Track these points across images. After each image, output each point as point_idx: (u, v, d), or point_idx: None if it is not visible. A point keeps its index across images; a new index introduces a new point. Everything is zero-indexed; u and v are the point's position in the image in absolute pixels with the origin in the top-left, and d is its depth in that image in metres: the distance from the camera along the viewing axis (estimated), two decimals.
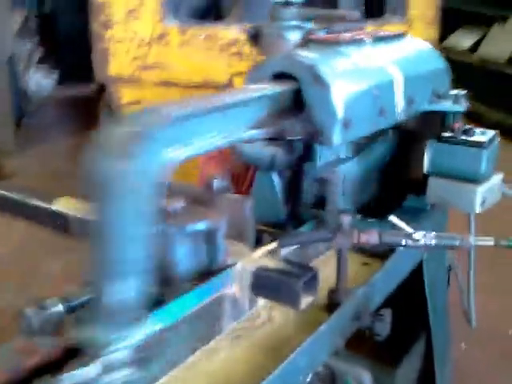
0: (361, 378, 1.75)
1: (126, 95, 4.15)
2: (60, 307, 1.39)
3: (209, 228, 1.54)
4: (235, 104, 1.58)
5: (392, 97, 2.00)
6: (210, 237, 1.56)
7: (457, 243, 1.64)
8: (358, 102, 1.84)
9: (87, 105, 6.76)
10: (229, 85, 3.88)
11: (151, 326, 1.33)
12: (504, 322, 3.98)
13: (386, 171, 2.35)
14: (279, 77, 1.82)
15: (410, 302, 2.34)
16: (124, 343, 1.23)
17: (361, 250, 1.97)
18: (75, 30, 8.11)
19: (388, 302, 1.89)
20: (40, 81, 8.90)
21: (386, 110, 1.96)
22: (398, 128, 2.25)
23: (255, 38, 2.10)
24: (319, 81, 1.75)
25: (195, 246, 1.55)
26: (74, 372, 1.19)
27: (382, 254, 1.94)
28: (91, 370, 1.20)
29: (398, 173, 2.35)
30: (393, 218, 1.74)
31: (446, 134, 2.15)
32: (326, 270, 1.76)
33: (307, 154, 1.99)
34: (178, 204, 1.55)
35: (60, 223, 1.72)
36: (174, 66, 4.42)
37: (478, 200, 2.07)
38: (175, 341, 1.44)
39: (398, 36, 2.26)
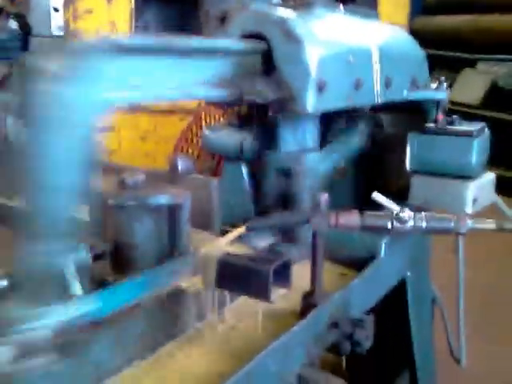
0: None
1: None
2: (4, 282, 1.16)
3: (171, 203, 1.36)
4: (195, 50, 1.40)
5: (369, 69, 1.82)
6: (172, 215, 1.37)
7: (452, 226, 1.43)
8: (332, 64, 1.66)
9: None
10: (198, 111, 3.76)
11: (86, 304, 1.09)
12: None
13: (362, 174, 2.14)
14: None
15: (393, 332, 2.13)
16: (44, 322, 1.00)
17: (337, 260, 1.78)
18: None
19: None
20: (19, 130, 8.90)
21: (363, 83, 1.77)
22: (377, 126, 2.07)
23: (223, 20, 1.94)
24: (291, 36, 1.57)
25: (156, 223, 1.36)
26: None
27: (360, 263, 1.75)
28: (6, 351, 0.97)
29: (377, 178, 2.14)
30: (376, 196, 1.52)
31: (430, 125, 1.95)
32: (300, 278, 1.55)
33: (268, 140, 1.78)
34: (139, 177, 1.37)
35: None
36: None
37: (470, 198, 1.85)
38: (122, 336, 1.22)
39: (374, 14, 2.10)
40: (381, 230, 1.46)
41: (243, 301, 1.53)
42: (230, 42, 1.58)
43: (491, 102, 7.37)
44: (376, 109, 1.96)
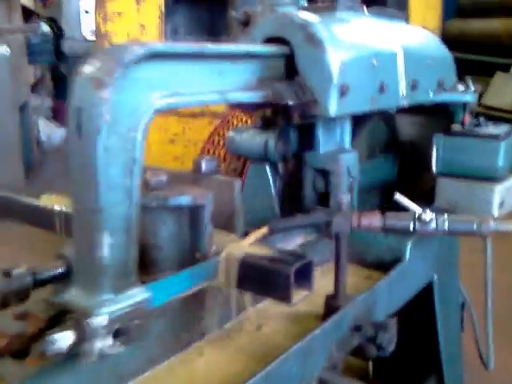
0: None
1: None
2: (27, 279, 1.21)
3: (194, 204, 1.35)
4: (231, 55, 1.41)
5: (393, 73, 1.81)
6: (194, 215, 1.37)
7: (475, 228, 1.41)
8: (355, 68, 1.65)
9: None
10: (227, 114, 3.75)
11: (139, 295, 1.14)
12: None
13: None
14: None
15: (420, 336, 2.12)
16: (107, 309, 1.07)
17: (363, 263, 1.78)
18: None
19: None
20: (50, 132, 9.02)
21: (388, 87, 1.76)
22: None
23: (246, 23, 1.94)
24: (313, 40, 1.56)
25: (178, 224, 1.36)
26: (50, 338, 1.03)
27: (386, 266, 1.73)
28: (68, 335, 1.04)
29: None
30: (399, 197, 1.50)
31: (456, 127, 1.93)
32: (324, 280, 1.55)
33: (307, 141, 1.79)
34: (162, 178, 1.37)
35: (45, 219, 1.60)
36: None
37: (496, 200, 1.83)
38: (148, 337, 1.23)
39: (400, 16, 2.08)
40: (403, 232, 1.45)
41: (267, 303, 1.53)
42: (255, 46, 1.60)
43: None
44: (401, 110, 1.95)
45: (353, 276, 1.68)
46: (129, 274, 1.14)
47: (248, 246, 1.36)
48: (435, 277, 2.01)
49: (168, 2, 4.11)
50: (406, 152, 2.15)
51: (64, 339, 1.04)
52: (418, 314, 2.01)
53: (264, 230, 1.40)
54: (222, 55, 1.40)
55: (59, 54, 9.06)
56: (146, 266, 1.32)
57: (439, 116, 2.08)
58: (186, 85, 1.30)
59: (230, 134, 1.86)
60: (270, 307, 1.51)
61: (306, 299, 1.34)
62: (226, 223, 1.49)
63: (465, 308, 2.52)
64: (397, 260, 1.75)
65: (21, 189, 6.80)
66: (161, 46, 1.25)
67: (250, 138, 1.78)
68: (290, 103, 1.51)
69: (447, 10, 6.85)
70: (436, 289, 2.03)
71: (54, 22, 8.92)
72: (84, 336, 1.04)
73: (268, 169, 1.83)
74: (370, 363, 2.46)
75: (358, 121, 1.93)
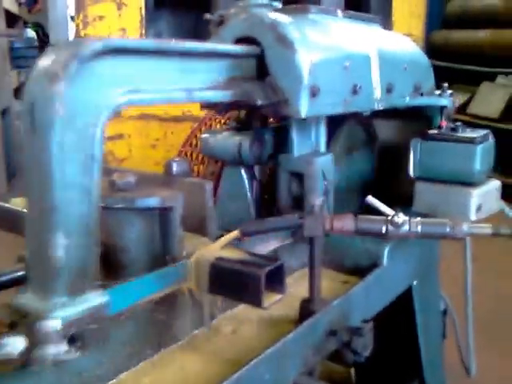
0: None
1: (106, 129, 4.01)
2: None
3: (162, 205, 1.32)
4: (197, 53, 1.39)
5: (367, 75, 1.80)
6: (163, 217, 1.34)
7: (447, 231, 1.40)
8: (326, 70, 1.64)
9: None
10: (205, 116, 3.73)
11: (97, 298, 1.10)
12: None
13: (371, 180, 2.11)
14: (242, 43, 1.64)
15: (401, 341, 2.12)
16: (60, 313, 1.03)
17: (341, 268, 1.77)
18: None
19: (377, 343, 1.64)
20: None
21: (361, 89, 1.74)
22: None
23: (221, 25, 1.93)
24: (283, 41, 1.55)
25: (146, 226, 1.33)
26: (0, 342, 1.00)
27: (363, 271, 1.72)
28: (20, 340, 1.01)
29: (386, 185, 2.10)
30: (370, 199, 1.49)
31: (433, 132, 1.92)
32: (299, 287, 1.55)
33: (281, 144, 1.78)
34: (130, 179, 1.34)
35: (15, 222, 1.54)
36: None
37: (473, 204, 1.82)
38: (110, 344, 1.20)
39: (376, 20, 2.08)
40: (376, 235, 1.43)
41: (240, 307, 1.51)
42: (224, 46, 1.57)
43: (510, 114, 7.32)
44: (378, 114, 1.94)
45: (330, 281, 1.68)
46: (87, 277, 1.10)
47: (219, 249, 1.35)
48: (415, 282, 2.00)
49: (149, 7, 4.10)
50: (385, 156, 2.14)
51: (15, 344, 1.00)
52: (399, 318, 2.00)
53: (235, 234, 1.38)
54: (187, 53, 1.38)
55: None
56: (113, 270, 1.30)
57: (417, 121, 2.07)
58: (149, 81, 1.26)
59: (204, 135, 1.85)
60: (246, 311, 1.49)
61: (284, 303, 1.33)
62: (197, 226, 1.47)
63: (447, 314, 2.52)
64: (374, 265, 1.74)
65: (3, 194, 6.78)
66: (120, 41, 1.21)
67: (224, 140, 1.77)
68: (260, 103, 1.50)
69: (432, 20, 6.89)
70: (416, 294, 2.02)
71: (39, 28, 8.90)
72: (36, 341, 1.01)
73: (243, 171, 1.81)
74: (353, 369, 2.46)
75: (335, 123, 1.92)
